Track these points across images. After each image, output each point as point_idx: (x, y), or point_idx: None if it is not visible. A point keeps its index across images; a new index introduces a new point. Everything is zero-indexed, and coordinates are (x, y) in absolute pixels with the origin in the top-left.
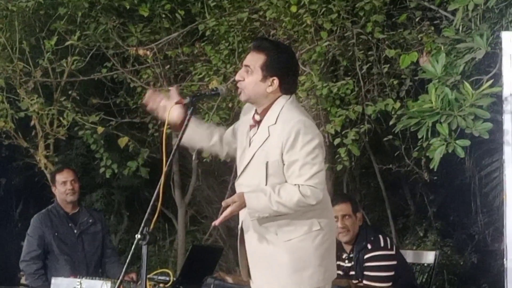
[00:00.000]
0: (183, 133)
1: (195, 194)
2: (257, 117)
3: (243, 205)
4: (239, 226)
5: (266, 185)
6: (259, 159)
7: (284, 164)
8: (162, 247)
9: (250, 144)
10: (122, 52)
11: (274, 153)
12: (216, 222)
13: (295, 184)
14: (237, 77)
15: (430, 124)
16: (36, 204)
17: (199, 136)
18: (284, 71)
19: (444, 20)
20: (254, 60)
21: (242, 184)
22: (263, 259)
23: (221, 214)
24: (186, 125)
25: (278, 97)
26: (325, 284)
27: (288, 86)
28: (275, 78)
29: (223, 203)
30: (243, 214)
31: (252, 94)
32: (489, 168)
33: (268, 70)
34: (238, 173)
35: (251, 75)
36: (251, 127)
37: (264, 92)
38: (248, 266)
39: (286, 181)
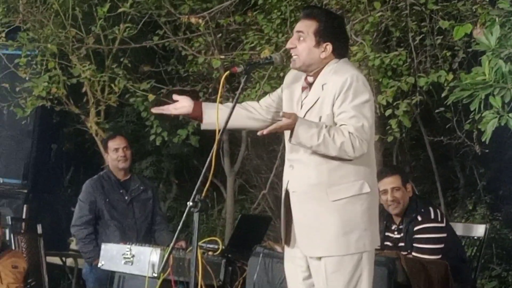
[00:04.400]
0: (236, 101)
1: (244, 163)
2: (310, 79)
3: (291, 126)
4: (284, 187)
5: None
6: (311, 117)
7: (334, 116)
8: (210, 215)
9: (302, 107)
10: (174, 20)
11: (327, 107)
12: (265, 132)
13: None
14: (288, 45)
15: (483, 97)
16: (86, 170)
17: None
18: (336, 36)
19: None
20: (307, 26)
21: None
22: (310, 220)
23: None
24: (240, 94)
25: (330, 60)
26: (371, 249)
27: (340, 51)
28: (328, 43)
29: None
30: (288, 175)
31: (307, 60)
32: None
33: (321, 36)
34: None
35: (304, 41)
36: (303, 89)
37: (318, 57)
38: (286, 231)
39: None
